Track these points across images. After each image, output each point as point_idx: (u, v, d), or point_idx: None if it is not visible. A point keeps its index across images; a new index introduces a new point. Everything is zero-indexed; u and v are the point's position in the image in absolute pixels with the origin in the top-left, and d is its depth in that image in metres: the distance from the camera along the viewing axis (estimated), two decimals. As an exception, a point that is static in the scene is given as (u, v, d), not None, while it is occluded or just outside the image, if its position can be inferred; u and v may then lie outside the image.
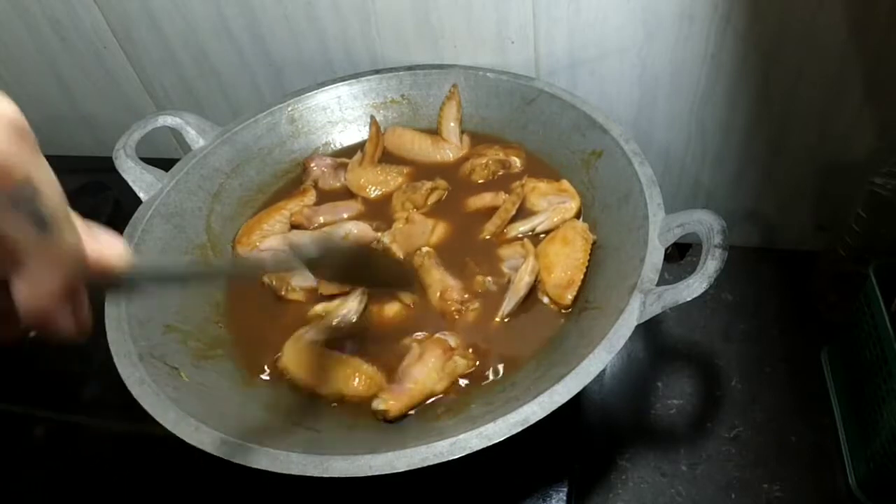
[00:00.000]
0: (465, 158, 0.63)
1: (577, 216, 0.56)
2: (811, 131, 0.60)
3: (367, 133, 0.67)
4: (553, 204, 0.57)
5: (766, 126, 0.61)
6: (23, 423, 0.59)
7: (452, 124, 0.65)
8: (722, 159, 0.66)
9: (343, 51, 0.68)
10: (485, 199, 0.59)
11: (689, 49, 0.58)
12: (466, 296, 0.52)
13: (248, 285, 0.56)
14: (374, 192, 0.62)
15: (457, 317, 0.51)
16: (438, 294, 0.52)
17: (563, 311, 0.50)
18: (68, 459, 0.56)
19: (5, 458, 0.57)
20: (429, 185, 0.59)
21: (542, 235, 0.56)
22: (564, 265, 0.51)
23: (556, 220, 0.56)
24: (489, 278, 0.53)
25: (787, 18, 0.53)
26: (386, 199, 0.61)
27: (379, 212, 0.60)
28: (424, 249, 0.55)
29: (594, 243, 0.53)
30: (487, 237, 0.56)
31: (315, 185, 0.63)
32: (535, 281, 0.52)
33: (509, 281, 0.52)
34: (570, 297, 0.50)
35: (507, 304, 0.51)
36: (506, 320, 0.51)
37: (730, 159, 0.66)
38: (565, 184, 0.58)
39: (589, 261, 0.52)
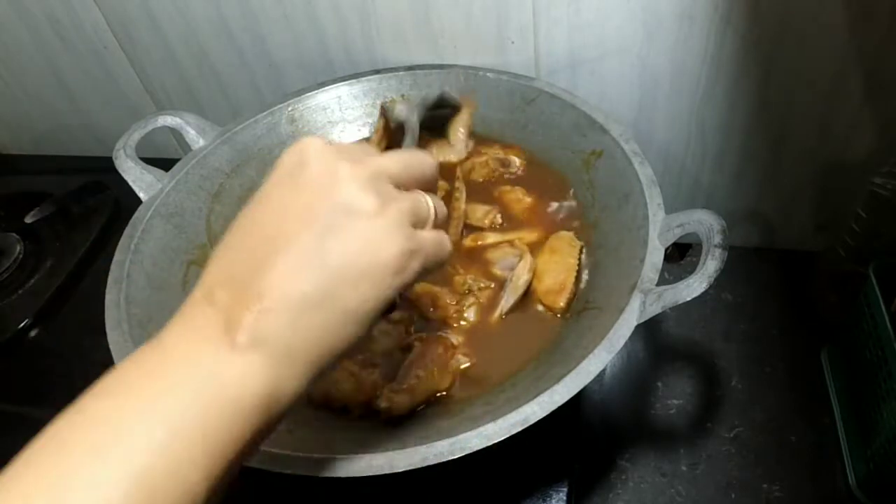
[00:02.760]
0: (465, 158, 0.63)
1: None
2: (811, 131, 0.60)
3: (368, 133, 0.67)
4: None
5: (766, 126, 0.61)
6: (23, 423, 0.59)
7: (462, 131, 0.65)
8: (722, 159, 0.66)
9: (343, 51, 0.68)
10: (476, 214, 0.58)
11: (689, 49, 0.58)
12: (461, 293, 0.52)
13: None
14: None
15: (458, 320, 0.51)
16: (431, 306, 0.51)
17: (558, 315, 0.50)
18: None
19: (5, 458, 0.57)
20: None
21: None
22: (555, 271, 0.51)
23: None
24: (469, 276, 0.53)
25: (787, 18, 0.53)
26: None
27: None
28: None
29: (582, 249, 0.53)
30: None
31: None
32: (529, 290, 0.51)
33: (506, 281, 0.52)
34: (562, 301, 0.50)
35: (506, 302, 0.51)
36: (504, 317, 0.51)
37: (730, 159, 0.66)
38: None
39: (580, 264, 0.52)
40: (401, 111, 0.54)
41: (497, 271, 0.53)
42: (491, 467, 0.49)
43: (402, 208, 0.31)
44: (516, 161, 0.61)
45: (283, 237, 0.29)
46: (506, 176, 0.61)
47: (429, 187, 0.36)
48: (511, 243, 0.54)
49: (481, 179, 0.61)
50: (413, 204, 0.32)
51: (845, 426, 0.56)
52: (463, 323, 0.51)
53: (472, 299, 0.52)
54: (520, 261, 0.52)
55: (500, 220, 0.57)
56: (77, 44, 0.76)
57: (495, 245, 0.55)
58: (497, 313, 0.51)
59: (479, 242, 0.56)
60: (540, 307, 0.51)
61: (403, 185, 0.33)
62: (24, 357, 0.65)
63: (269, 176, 0.31)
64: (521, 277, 0.51)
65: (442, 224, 0.35)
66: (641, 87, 0.62)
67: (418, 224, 0.33)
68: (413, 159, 0.35)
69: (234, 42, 0.70)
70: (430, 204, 0.34)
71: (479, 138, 0.65)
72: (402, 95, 0.67)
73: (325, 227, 0.29)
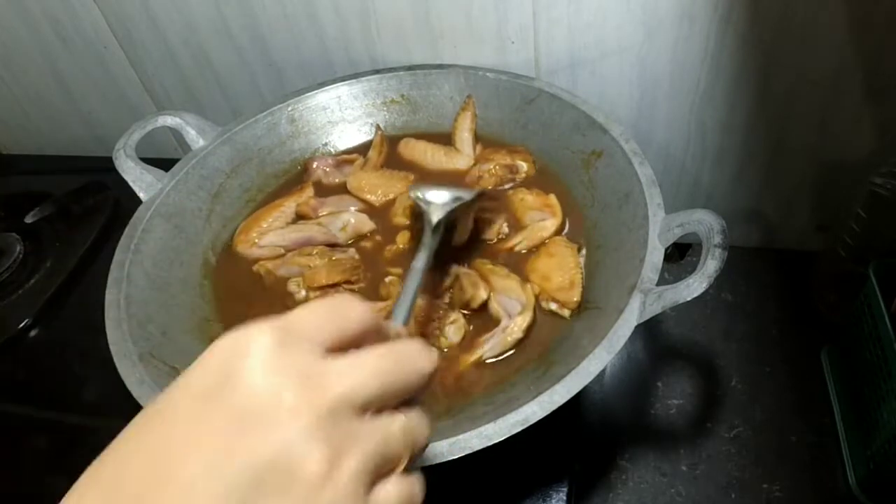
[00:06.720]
0: (473, 164, 0.62)
1: (558, 233, 0.55)
2: (811, 131, 0.60)
3: (367, 133, 0.67)
4: (534, 221, 0.56)
5: (766, 126, 0.61)
6: (23, 423, 0.59)
7: (466, 135, 0.64)
8: (722, 159, 0.66)
9: (343, 51, 0.68)
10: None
11: (689, 49, 0.58)
12: (441, 311, 0.50)
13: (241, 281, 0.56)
14: (373, 197, 0.61)
15: (439, 337, 0.49)
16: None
17: (571, 311, 0.50)
18: (69, 460, 0.56)
19: (5, 458, 0.57)
20: None
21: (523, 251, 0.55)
22: (561, 270, 0.51)
23: (535, 239, 0.55)
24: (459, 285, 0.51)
25: (787, 18, 0.53)
26: (387, 204, 0.61)
27: (380, 215, 0.60)
28: (388, 279, 0.53)
29: (579, 249, 0.53)
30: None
31: (319, 184, 0.63)
32: (537, 297, 0.51)
33: (498, 322, 0.49)
34: (576, 296, 0.50)
35: (492, 349, 0.48)
36: (483, 362, 0.48)
37: (730, 159, 0.66)
38: (552, 199, 0.57)
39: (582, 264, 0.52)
40: (428, 209, 0.48)
41: (495, 305, 0.50)
42: (491, 467, 0.48)
43: (360, 463, 0.23)
44: (524, 165, 0.61)
45: (177, 487, 0.21)
46: (515, 180, 0.61)
47: (416, 395, 0.27)
48: (520, 282, 0.51)
49: (490, 186, 0.60)
50: (380, 447, 0.24)
51: (845, 426, 0.56)
52: (443, 340, 0.49)
53: (454, 315, 0.50)
54: (520, 314, 0.49)
55: (506, 230, 0.56)
56: (77, 44, 0.76)
57: (506, 275, 0.52)
58: (476, 356, 0.48)
59: (488, 266, 0.54)
60: (553, 305, 0.50)
61: (379, 408, 0.25)
62: (24, 357, 0.65)
63: (188, 372, 0.24)
64: (513, 333, 0.48)
65: (420, 453, 0.27)
66: (641, 87, 0.62)
67: (384, 469, 0.24)
68: (399, 367, 0.25)
69: (234, 42, 0.70)
70: (404, 436, 0.25)
71: (481, 140, 0.65)
72: (402, 96, 0.67)
73: (239, 492, 0.21)
